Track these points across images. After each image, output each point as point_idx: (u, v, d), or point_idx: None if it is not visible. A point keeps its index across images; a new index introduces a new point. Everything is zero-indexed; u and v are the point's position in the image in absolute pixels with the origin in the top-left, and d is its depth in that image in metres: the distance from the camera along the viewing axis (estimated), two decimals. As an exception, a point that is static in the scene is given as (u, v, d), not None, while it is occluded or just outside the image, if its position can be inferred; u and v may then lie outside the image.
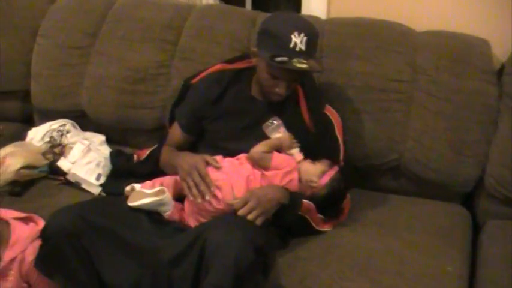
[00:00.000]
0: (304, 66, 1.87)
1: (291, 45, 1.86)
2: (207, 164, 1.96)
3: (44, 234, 1.84)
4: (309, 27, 1.92)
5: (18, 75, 2.79)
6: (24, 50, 2.77)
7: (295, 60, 1.86)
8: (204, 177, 1.92)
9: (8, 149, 2.38)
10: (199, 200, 1.90)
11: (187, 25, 2.54)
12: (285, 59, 1.86)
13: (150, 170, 2.19)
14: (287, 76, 1.93)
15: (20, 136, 2.60)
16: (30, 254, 1.90)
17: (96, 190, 2.30)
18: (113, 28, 2.63)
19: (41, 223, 1.99)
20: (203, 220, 1.93)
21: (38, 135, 2.55)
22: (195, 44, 2.49)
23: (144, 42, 2.55)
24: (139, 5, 2.66)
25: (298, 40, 1.86)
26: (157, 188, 1.93)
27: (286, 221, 1.95)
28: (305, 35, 1.87)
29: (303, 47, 1.87)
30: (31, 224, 2.01)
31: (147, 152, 2.33)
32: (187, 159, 2.00)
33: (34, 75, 2.74)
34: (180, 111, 2.23)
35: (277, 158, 1.97)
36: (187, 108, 2.19)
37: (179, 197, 2.01)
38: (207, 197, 1.90)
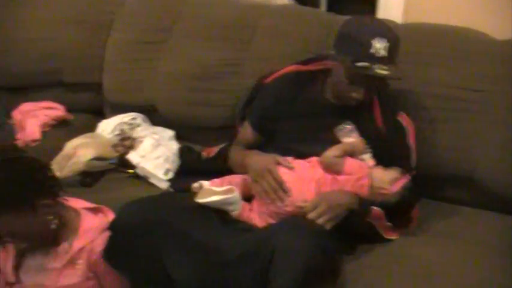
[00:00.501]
0: (385, 72, 1.84)
1: (372, 51, 1.83)
2: (278, 164, 1.95)
3: (113, 227, 1.85)
4: (391, 32, 1.90)
5: (91, 68, 2.84)
6: (98, 43, 2.82)
7: (376, 66, 1.84)
8: (280, 183, 1.90)
9: (80, 140, 2.43)
10: (279, 204, 1.89)
11: (260, 25, 2.53)
12: (367, 64, 1.83)
13: (219, 168, 2.17)
14: (366, 82, 1.91)
15: (91, 128, 2.64)
16: (99, 244, 1.91)
17: (163, 185, 2.32)
18: (186, 25, 2.65)
19: (110, 215, 2.00)
20: (271, 221, 1.91)
21: (108, 127, 2.59)
22: (268, 44, 2.49)
23: (216, 40, 2.56)
24: (213, 3, 2.68)
25: (379, 46, 1.83)
26: (227, 187, 1.91)
27: (354, 227, 1.92)
28: (387, 41, 1.84)
29: (385, 53, 1.84)
30: (100, 215, 2.03)
31: (216, 149, 2.32)
32: (258, 160, 2.00)
33: (107, 68, 2.79)
34: (252, 110, 2.22)
35: (350, 163, 1.94)
36: (259, 107, 2.19)
37: (247, 197, 2.00)
38: (286, 203, 1.89)
